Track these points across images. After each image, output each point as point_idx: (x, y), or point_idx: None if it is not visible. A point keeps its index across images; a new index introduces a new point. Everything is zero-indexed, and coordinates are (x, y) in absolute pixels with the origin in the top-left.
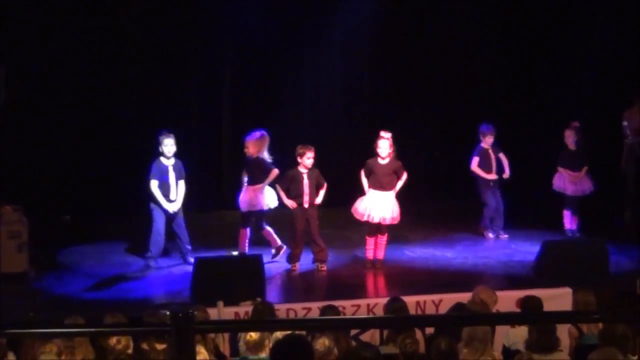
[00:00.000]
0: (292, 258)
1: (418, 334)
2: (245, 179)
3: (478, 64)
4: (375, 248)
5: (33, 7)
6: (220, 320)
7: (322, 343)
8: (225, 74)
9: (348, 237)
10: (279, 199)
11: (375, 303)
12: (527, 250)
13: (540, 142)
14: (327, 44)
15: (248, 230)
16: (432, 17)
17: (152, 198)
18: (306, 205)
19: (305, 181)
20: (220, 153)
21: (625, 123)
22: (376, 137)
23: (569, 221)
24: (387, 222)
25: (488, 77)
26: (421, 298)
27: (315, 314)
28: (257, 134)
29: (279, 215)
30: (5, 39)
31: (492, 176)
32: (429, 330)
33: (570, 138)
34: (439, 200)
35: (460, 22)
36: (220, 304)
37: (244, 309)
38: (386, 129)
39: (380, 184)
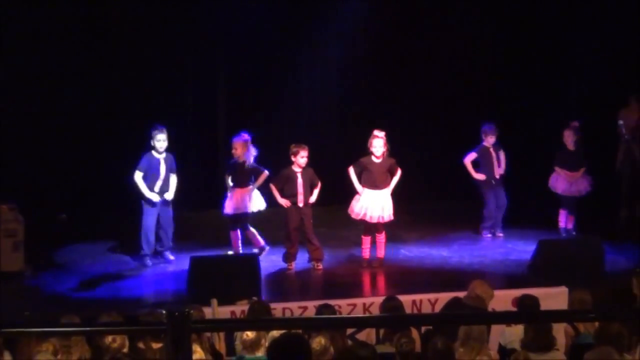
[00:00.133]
0: (287, 257)
1: (414, 333)
2: (230, 181)
3: (475, 62)
4: (376, 247)
5: (29, 4)
6: (217, 319)
7: (318, 342)
8: (221, 73)
9: (344, 236)
10: (273, 198)
11: (371, 302)
12: (523, 249)
13: (537, 141)
14: (323, 42)
15: (239, 231)
16: (430, 16)
17: (136, 190)
18: (300, 205)
19: (299, 180)
20: (215, 152)
21: (620, 122)
22: (370, 136)
23: (564, 220)
24: (385, 220)
25: (485, 76)
26: (417, 297)
27: (311, 313)
28: (245, 135)
29: (273, 215)
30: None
31: (480, 176)
32: (425, 328)
33: (569, 138)
34: (435, 199)
35: (457, 20)
36: (215, 301)
37: (240, 308)
38: (381, 128)
39: (375, 183)
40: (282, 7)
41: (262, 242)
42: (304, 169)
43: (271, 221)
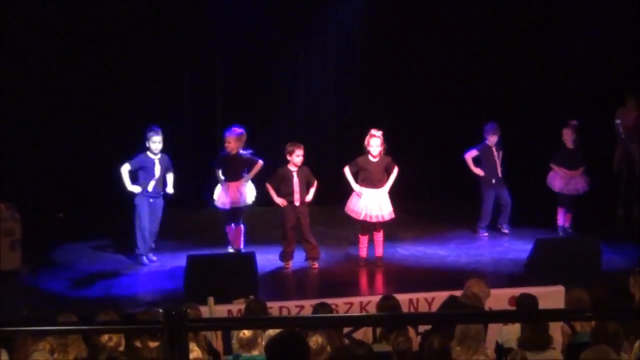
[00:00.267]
0: (284, 256)
1: (411, 331)
2: (221, 175)
3: (473, 61)
4: (374, 246)
5: (27, 5)
6: (213, 318)
7: (315, 341)
8: (219, 71)
9: (341, 235)
10: (269, 197)
11: (368, 301)
12: (520, 248)
13: (535, 140)
14: (321, 40)
15: (233, 225)
16: (428, 15)
17: (122, 182)
18: (297, 204)
19: (295, 179)
20: (213, 150)
21: (617, 121)
22: (367, 135)
23: (562, 218)
24: (385, 219)
25: (482, 75)
26: (414, 296)
27: (308, 311)
28: (239, 129)
29: (269, 214)
30: None
31: (479, 171)
32: (422, 328)
33: (568, 136)
34: (432, 198)
35: (456, 18)
36: (211, 300)
37: (237, 307)
38: (378, 127)
39: (372, 182)
40: (281, 5)
41: (242, 244)
42: (299, 167)
43: (268, 220)
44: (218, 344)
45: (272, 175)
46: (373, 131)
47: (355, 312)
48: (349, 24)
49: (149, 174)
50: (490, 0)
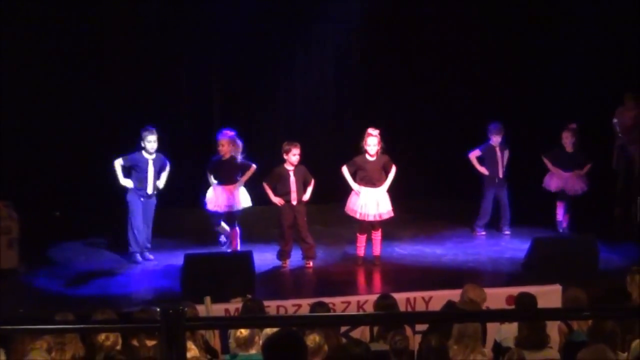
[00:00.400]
0: (281, 255)
1: (408, 331)
2: (213, 179)
3: (471, 60)
4: (372, 245)
5: (23, 3)
6: (211, 316)
7: (312, 339)
8: (216, 71)
9: (338, 234)
10: (266, 196)
11: (365, 300)
12: (517, 247)
13: (532, 140)
14: (318, 39)
15: (228, 228)
16: (426, 14)
17: (115, 176)
18: (294, 203)
19: (292, 178)
20: (210, 150)
21: (615, 120)
22: (364, 134)
23: (561, 213)
24: (383, 218)
25: (481, 74)
26: (411, 295)
27: (305, 310)
28: (231, 133)
29: (267, 213)
30: None
31: (483, 170)
32: (419, 327)
33: (567, 139)
34: (429, 197)
35: (454, 18)
36: (208, 299)
37: (234, 306)
38: (376, 125)
39: (371, 181)
40: (278, 4)
41: (239, 244)
42: (296, 166)
43: (265, 219)
44: (215, 343)
45: (269, 175)
46: (370, 130)
47: (352, 311)
48: (347, 22)
49: (142, 173)
50: (490, 1)
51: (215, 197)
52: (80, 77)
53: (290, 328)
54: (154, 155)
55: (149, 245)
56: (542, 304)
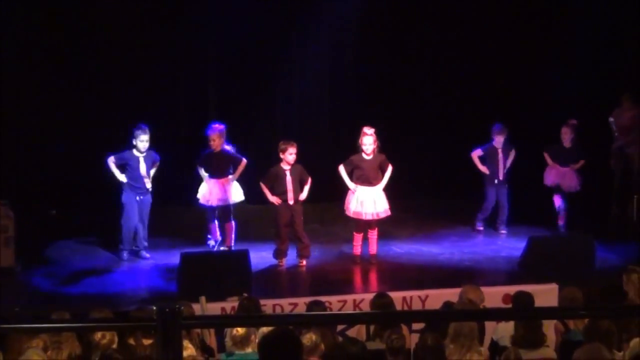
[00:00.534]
0: (278, 254)
1: (404, 329)
2: (204, 172)
3: (469, 59)
4: (368, 243)
5: (16, 2)
6: (207, 315)
7: (308, 338)
8: (211, 70)
9: (334, 233)
10: (263, 195)
11: (361, 299)
12: (513, 245)
13: (529, 139)
14: (314, 37)
15: (217, 222)
16: (423, 13)
17: (110, 174)
18: (291, 202)
19: (288, 178)
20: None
21: (611, 119)
22: (360, 133)
23: (559, 203)
24: (380, 217)
25: (479, 74)
26: (407, 294)
27: (301, 309)
28: (220, 126)
29: (263, 211)
30: None
31: (484, 169)
32: (416, 326)
33: (566, 135)
34: (426, 196)
35: (451, 16)
36: (203, 299)
37: (231, 305)
38: (372, 124)
39: (367, 180)
40: (274, 3)
41: (233, 238)
42: (292, 165)
43: (261, 218)
44: (212, 342)
45: (266, 175)
46: (365, 129)
47: (348, 309)
48: (344, 20)
49: (134, 171)
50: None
51: (207, 192)
52: (76, 76)
53: (285, 327)
54: (144, 154)
55: (145, 244)
56: (538, 302)
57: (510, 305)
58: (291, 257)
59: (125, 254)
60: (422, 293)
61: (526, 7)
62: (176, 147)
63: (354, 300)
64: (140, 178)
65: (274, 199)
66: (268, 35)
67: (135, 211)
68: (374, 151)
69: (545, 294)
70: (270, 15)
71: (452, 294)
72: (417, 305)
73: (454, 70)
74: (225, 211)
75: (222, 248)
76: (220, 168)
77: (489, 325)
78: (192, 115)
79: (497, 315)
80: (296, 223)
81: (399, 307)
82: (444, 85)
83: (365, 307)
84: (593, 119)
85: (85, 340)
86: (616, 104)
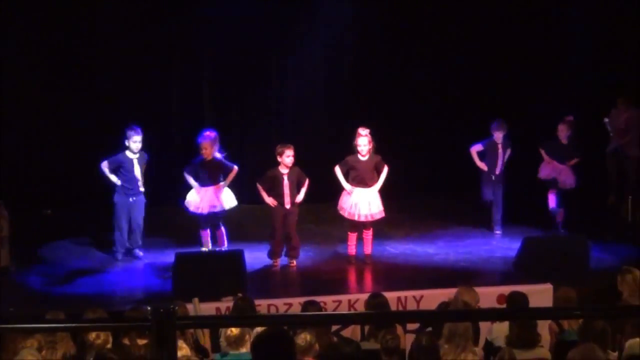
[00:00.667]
0: (272, 254)
1: (399, 329)
2: (193, 181)
3: (463, 58)
4: (363, 244)
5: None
6: (202, 315)
7: (303, 338)
8: (206, 72)
9: (329, 233)
10: (259, 195)
11: (356, 299)
12: (508, 246)
13: (524, 138)
14: (309, 39)
15: (209, 230)
16: (418, 13)
17: (105, 178)
18: (287, 207)
19: (285, 182)
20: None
21: (606, 120)
22: (355, 133)
23: (553, 201)
24: (374, 218)
25: (473, 73)
26: (402, 294)
27: (296, 309)
28: (212, 134)
29: (258, 211)
30: None
31: (483, 165)
32: (410, 326)
33: (562, 132)
34: (421, 196)
35: (446, 15)
36: (196, 300)
37: (225, 305)
38: (367, 124)
39: (363, 181)
40: (269, 4)
41: (226, 243)
42: (290, 169)
43: (256, 218)
44: (206, 342)
45: (263, 177)
46: (360, 130)
47: (343, 309)
48: (339, 18)
49: (128, 173)
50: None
51: (198, 199)
52: (71, 76)
53: (278, 327)
54: (137, 155)
55: (140, 243)
56: (533, 303)
57: (504, 306)
58: (285, 257)
59: (119, 255)
60: (416, 293)
61: (523, 5)
62: (171, 147)
63: (349, 301)
64: (134, 180)
65: (269, 200)
66: (263, 35)
67: (126, 212)
68: (369, 152)
69: (540, 294)
70: (266, 16)
71: (447, 294)
72: (411, 306)
73: (448, 70)
74: (216, 218)
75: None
76: (212, 176)
77: (484, 325)
78: (187, 115)
79: (492, 315)
80: (289, 224)
81: (393, 307)
82: (438, 84)
83: (360, 307)
84: (589, 117)
85: (79, 340)
86: (612, 103)
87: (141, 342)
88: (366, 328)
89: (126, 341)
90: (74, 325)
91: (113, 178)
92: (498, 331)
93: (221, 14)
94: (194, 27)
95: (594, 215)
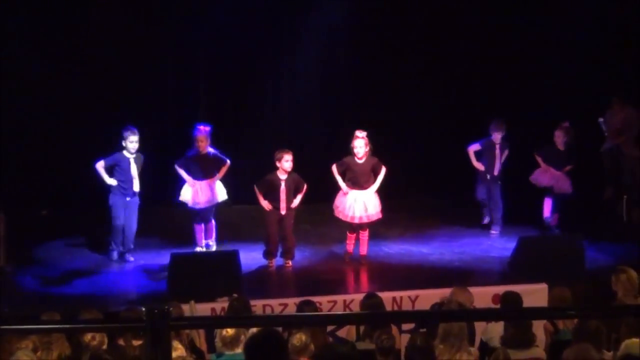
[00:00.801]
0: (268, 254)
1: (394, 330)
2: (185, 173)
3: (460, 59)
4: (359, 244)
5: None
6: (196, 316)
7: (298, 338)
8: (202, 74)
9: (325, 233)
10: (256, 198)
11: (351, 299)
12: (503, 246)
13: (520, 138)
14: (306, 39)
15: (203, 225)
16: (412, 14)
17: (100, 178)
18: (282, 212)
19: (282, 187)
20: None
21: (601, 120)
22: (352, 136)
23: (548, 209)
24: (370, 219)
25: (470, 74)
26: (397, 294)
27: (291, 309)
28: (207, 128)
29: (254, 211)
30: None
31: (479, 165)
32: (406, 326)
33: (559, 138)
34: (416, 196)
35: (442, 16)
36: (192, 303)
37: (221, 305)
38: (363, 124)
39: (359, 183)
40: (265, 6)
41: (214, 236)
42: (289, 174)
43: (252, 218)
44: (202, 342)
45: (261, 181)
46: (357, 132)
47: (338, 309)
48: (336, 19)
49: (125, 172)
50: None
51: (194, 194)
52: (66, 77)
53: (271, 327)
54: (134, 155)
55: (131, 246)
56: (528, 302)
57: (499, 306)
58: (281, 257)
59: (115, 254)
60: (412, 293)
61: (519, 7)
62: (165, 147)
63: (344, 301)
64: (130, 180)
65: (265, 204)
66: (260, 37)
67: (123, 213)
68: (366, 154)
69: (535, 294)
70: (261, 17)
71: (442, 294)
72: (407, 306)
73: (444, 71)
74: (209, 211)
75: (198, 249)
76: (207, 170)
77: (479, 325)
78: (182, 116)
79: (487, 315)
80: (286, 225)
81: (388, 307)
82: (433, 85)
83: (356, 308)
84: (582, 119)
85: (75, 341)
86: (607, 104)
87: (136, 343)
88: (361, 328)
89: (121, 342)
90: (69, 326)
91: (107, 178)
92: (493, 331)
93: (217, 14)
94: (189, 27)
95: (589, 215)
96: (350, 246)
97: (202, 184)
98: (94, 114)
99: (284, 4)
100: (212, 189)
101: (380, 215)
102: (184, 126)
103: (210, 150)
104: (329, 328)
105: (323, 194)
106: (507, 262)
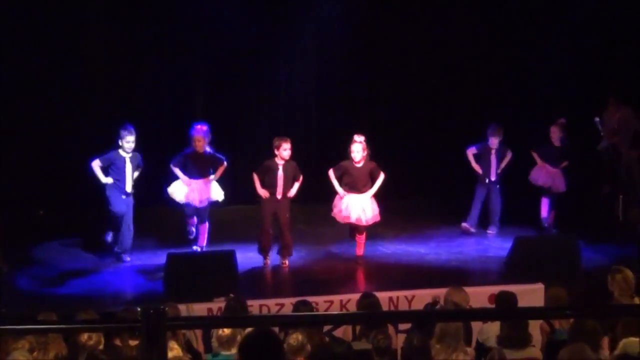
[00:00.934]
0: (262, 250)
1: (391, 329)
2: (180, 173)
3: (456, 60)
4: (356, 246)
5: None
6: (192, 316)
7: (295, 338)
8: (198, 71)
9: (321, 234)
10: (252, 191)
11: (348, 299)
12: (499, 246)
13: (518, 139)
14: (302, 39)
15: (195, 218)
16: (409, 14)
17: (95, 177)
18: (278, 197)
19: (280, 173)
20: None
21: (597, 119)
22: (350, 140)
23: (546, 210)
24: (368, 222)
25: (467, 75)
26: (394, 294)
27: (288, 309)
28: (205, 127)
29: (250, 211)
30: None
31: (477, 167)
32: (402, 326)
33: (555, 134)
34: (413, 196)
35: (439, 16)
36: (190, 305)
37: (217, 305)
38: (359, 125)
39: (355, 187)
40: (261, 3)
41: (205, 242)
42: (286, 162)
43: (248, 218)
44: (198, 343)
45: (260, 167)
46: (355, 137)
47: (335, 309)
48: (333, 19)
49: (119, 172)
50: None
51: (188, 191)
52: (62, 77)
53: (266, 328)
54: (130, 154)
55: (129, 248)
56: (524, 302)
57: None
58: (277, 256)
59: (109, 238)
60: (408, 293)
61: (514, 8)
62: (161, 146)
63: (341, 301)
64: (124, 179)
65: (262, 192)
66: (256, 35)
67: (121, 202)
68: (363, 158)
69: (531, 294)
70: (258, 14)
71: (438, 294)
72: (403, 306)
73: (440, 72)
74: (203, 211)
75: (194, 247)
76: (203, 169)
77: (475, 325)
78: (178, 114)
79: (483, 315)
80: (281, 219)
81: (385, 307)
82: (430, 86)
83: (352, 308)
84: (577, 118)
85: (71, 341)
86: (603, 104)
87: (133, 343)
88: (358, 328)
89: (118, 342)
90: (65, 326)
91: (102, 177)
92: (489, 331)
93: (213, 10)
94: (186, 24)
95: (585, 215)
96: (360, 250)
97: (198, 183)
98: (91, 114)
99: (282, 2)
100: (207, 189)
101: (377, 219)
102: (179, 124)
103: (207, 149)
104: (326, 328)
105: (319, 195)
106: (504, 262)
